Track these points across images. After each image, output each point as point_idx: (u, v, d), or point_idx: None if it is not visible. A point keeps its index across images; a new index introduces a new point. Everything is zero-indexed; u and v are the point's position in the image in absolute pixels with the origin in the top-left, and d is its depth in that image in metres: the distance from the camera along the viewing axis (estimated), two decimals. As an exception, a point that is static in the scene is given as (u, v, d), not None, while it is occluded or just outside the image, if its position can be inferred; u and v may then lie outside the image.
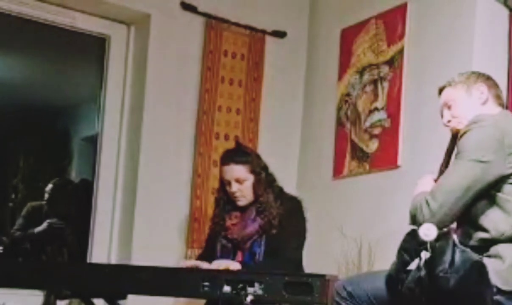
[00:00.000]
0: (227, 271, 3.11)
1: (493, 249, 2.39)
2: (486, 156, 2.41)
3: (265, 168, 3.48)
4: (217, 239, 3.46)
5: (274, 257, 3.29)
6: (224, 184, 3.47)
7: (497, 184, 2.43)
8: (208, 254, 3.46)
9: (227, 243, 3.43)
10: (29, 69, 4.99)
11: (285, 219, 3.36)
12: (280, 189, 3.50)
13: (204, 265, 3.28)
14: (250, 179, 3.41)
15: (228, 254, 3.41)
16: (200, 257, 3.53)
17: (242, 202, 3.43)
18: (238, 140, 3.87)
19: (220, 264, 3.23)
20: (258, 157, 3.52)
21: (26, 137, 4.87)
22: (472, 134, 2.46)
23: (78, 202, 4.63)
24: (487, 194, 2.44)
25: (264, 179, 3.43)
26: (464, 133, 2.48)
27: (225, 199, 3.48)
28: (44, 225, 4.52)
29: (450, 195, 2.42)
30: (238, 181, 3.40)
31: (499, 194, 2.43)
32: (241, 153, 3.49)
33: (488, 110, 2.64)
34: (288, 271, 2.95)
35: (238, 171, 3.40)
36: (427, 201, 2.43)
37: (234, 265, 3.22)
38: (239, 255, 3.40)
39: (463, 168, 2.43)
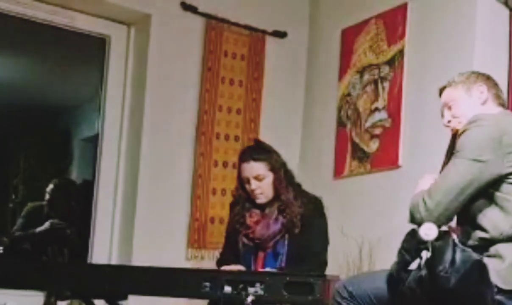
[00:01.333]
0: (227, 272, 3.11)
1: (493, 249, 2.39)
2: (484, 155, 2.41)
3: (284, 165, 3.45)
4: (238, 237, 3.42)
5: (306, 260, 3.26)
6: (242, 182, 3.42)
7: (495, 183, 2.42)
8: (231, 253, 3.43)
9: (248, 242, 3.40)
10: (29, 69, 4.99)
11: (309, 219, 3.34)
12: (299, 186, 3.48)
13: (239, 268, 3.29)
14: (269, 176, 3.37)
15: (250, 252, 3.38)
16: (223, 257, 3.49)
17: (261, 199, 3.39)
18: (257, 138, 3.85)
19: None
20: (277, 154, 3.47)
21: (27, 138, 4.87)
22: (470, 133, 2.46)
23: (79, 203, 4.63)
24: (486, 193, 2.44)
25: (284, 177, 3.40)
26: (463, 132, 2.48)
27: (244, 197, 3.44)
28: (46, 224, 4.52)
29: (446, 194, 2.42)
30: (258, 178, 3.36)
31: (498, 193, 2.43)
32: (260, 150, 3.44)
33: (488, 110, 2.64)
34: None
35: (258, 169, 3.37)
36: (423, 200, 2.44)
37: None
38: (261, 255, 3.37)
39: (461, 167, 2.44)
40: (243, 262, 3.35)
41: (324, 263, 3.34)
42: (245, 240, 3.40)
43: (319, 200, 3.44)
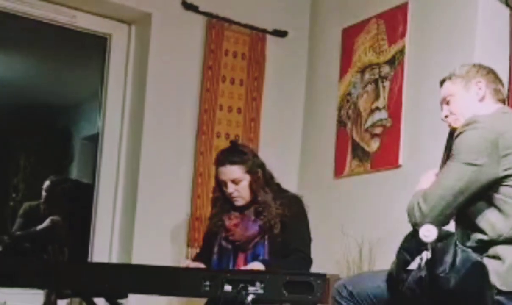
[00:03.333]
0: (228, 271, 3.11)
1: (493, 250, 2.38)
2: (479, 159, 2.39)
3: (261, 166, 3.43)
4: (215, 239, 3.42)
5: (288, 257, 3.26)
6: (220, 184, 3.43)
7: (493, 185, 2.41)
8: (206, 254, 3.44)
9: (227, 245, 3.40)
10: (30, 68, 4.99)
11: (289, 219, 3.33)
12: (278, 186, 3.47)
13: (202, 266, 3.29)
14: (246, 179, 3.37)
15: (228, 255, 3.38)
16: (198, 257, 3.51)
17: (239, 202, 3.39)
18: (234, 140, 3.85)
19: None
20: (254, 155, 3.47)
21: (27, 136, 4.86)
22: (466, 136, 2.44)
23: (79, 201, 4.62)
24: (484, 195, 2.43)
25: (261, 178, 3.39)
26: (459, 134, 2.47)
27: (222, 198, 3.44)
28: (47, 222, 4.51)
29: (441, 199, 2.41)
30: (234, 182, 3.36)
31: (496, 195, 2.42)
32: (236, 153, 3.42)
33: (486, 106, 2.61)
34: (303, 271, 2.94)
35: (234, 172, 3.36)
36: (418, 204, 2.44)
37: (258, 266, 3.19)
38: (241, 257, 3.36)
39: (456, 171, 2.42)
40: (219, 264, 3.35)
41: (309, 259, 3.34)
42: (223, 243, 3.40)
43: (298, 199, 3.44)
